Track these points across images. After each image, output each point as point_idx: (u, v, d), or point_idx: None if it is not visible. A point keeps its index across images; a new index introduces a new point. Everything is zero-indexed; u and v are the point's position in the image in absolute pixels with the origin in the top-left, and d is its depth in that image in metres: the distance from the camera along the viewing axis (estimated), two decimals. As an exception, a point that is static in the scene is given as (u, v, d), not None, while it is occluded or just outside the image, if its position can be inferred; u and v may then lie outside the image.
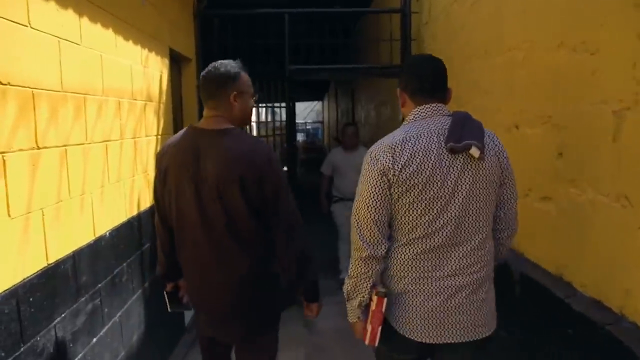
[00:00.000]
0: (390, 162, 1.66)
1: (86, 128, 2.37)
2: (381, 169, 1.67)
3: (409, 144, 1.68)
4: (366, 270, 1.73)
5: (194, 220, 1.94)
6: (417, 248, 1.71)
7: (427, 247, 1.70)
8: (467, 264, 1.71)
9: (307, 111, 27.92)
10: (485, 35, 3.11)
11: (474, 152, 1.65)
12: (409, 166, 1.66)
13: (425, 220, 1.68)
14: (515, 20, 2.67)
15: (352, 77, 5.37)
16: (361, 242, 1.71)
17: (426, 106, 1.77)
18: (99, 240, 2.51)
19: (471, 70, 3.33)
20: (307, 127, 28.61)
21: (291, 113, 5.51)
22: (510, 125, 2.76)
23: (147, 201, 3.23)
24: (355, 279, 1.76)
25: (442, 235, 1.69)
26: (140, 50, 3.14)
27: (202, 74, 2.02)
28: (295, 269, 1.95)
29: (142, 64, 3.16)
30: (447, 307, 1.71)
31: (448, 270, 1.70)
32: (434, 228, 1.68)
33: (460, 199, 1.68)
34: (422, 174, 1.65)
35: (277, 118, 5.87)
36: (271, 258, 2.00)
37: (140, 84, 3.12)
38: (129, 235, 2.94)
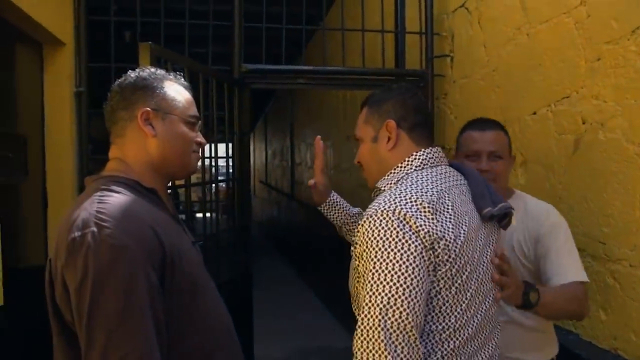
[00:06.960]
0: (439, 227, 1.10)
1: None
2: (424, 237, 1.08)
3: (447, 201, 1.16)
4: None
5: None
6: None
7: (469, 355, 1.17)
8: None
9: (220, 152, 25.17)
10: None
11: (514, 220, 1.34)
12: (460, 234, 1.13)
13: (471, 314, 1.16)
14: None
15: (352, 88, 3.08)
16: None
17: (432, 149, 1.26)
18: None
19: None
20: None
21: (246, 143, 3.24)
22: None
23: None
24: None
25: (472, 329, 1.17)
26: None
27: None
28: None
29: None
30: None
31: None
32: (474, 324, 1.17)
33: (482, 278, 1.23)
34: (471, 245, 1.16)
35: (218, 153, 3.28)
36: None
37: None
38: None
